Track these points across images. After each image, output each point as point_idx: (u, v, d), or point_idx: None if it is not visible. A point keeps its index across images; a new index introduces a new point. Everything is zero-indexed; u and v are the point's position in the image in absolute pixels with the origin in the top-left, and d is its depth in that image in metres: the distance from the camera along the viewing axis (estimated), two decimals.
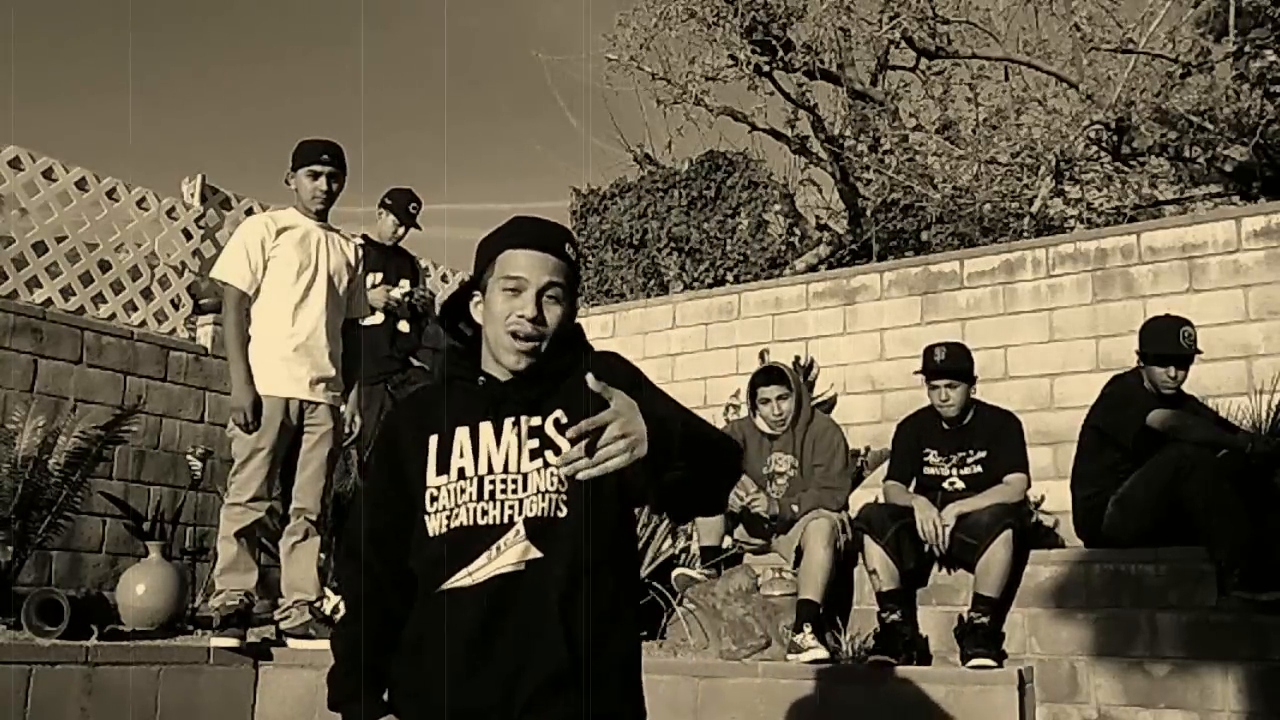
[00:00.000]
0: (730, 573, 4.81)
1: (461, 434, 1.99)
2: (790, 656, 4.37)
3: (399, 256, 6.30)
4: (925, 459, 4.78)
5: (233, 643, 4.61)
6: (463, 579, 1.92)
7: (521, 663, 1.89)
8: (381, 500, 2.09)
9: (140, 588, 4.90)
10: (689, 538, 5.26)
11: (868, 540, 4.49)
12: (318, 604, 4.68)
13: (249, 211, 7.01)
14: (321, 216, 4.76)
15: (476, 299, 2.05)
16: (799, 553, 4.57)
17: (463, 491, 1.95)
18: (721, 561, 4.95)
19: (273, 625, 4.83)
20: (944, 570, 4.60)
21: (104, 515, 5.83)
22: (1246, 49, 9.44)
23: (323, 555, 4.79)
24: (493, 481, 1.95)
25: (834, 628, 4.52)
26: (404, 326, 6.19)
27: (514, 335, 1.95)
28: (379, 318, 6.00)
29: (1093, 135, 9.84)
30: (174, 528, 5.49)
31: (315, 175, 4.68)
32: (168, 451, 6.27)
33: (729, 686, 4.29)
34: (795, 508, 4.74)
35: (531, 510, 1.92)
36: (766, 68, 10.26)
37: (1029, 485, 4.69)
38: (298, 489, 4.67)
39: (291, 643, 4.68)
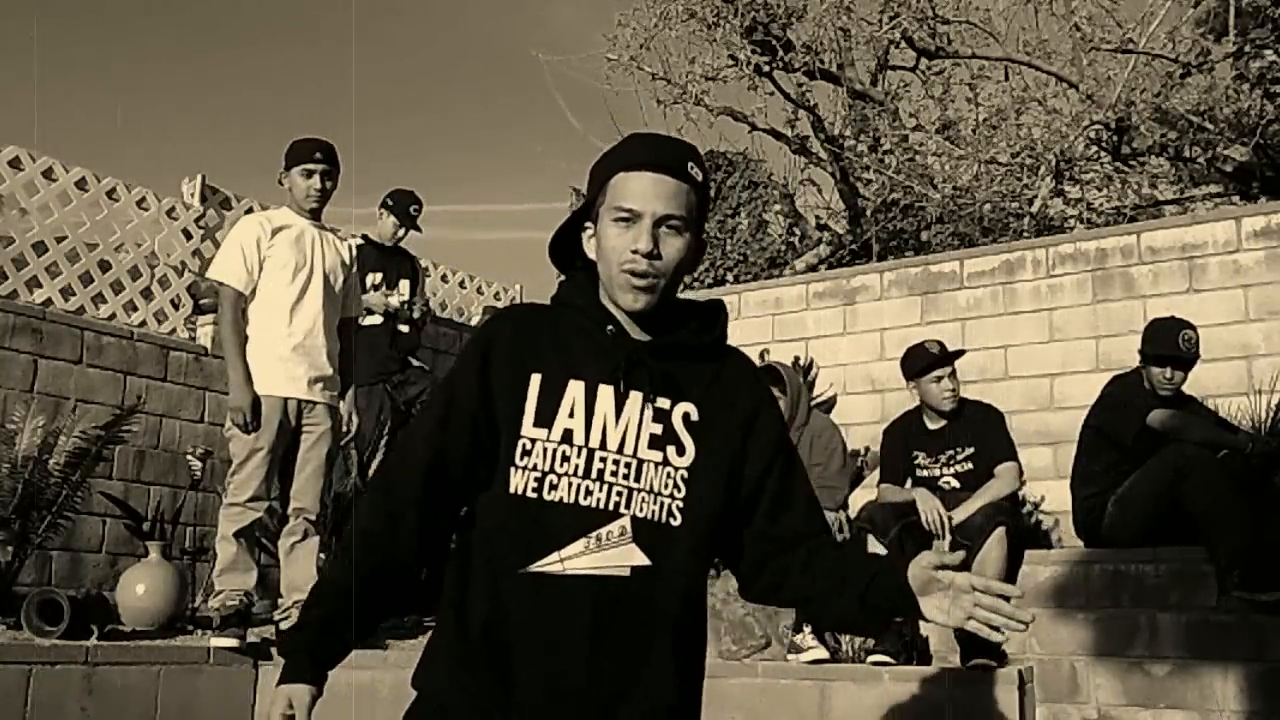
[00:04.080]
0: (730, 573, 4.81)
1: (575, 389, 1.70)
2: (790, 656, 4.37)
3: (399, 257, 6.30)
4: (915, 461, 4.79)
5: (233, 643, 4.62)
6: (552, 563, 1.65)
7: (622, 689, 1.66)
8: (464, 429, 1.71)
9: (140, 588, 4.91)
10: None
11: (871, 540, 4.48)
12: None
13: (249, 211, 7.01)
14: (315, 215, 4.76)
15: (589, 230, 1.77)
16: None
17: (565, 459, 1.67)
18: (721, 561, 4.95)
19: (273, 625, 4.83)
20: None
21: (104, 515, 5.83)
22: (1246, 49, 9.44)
23: (322, 555, 4.80)
24: (603, 459, 1.68)
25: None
26: (404, 327, 6.19)
27: (630, 274, 1.69)
28: (378, 318, 6.00)
29: (1093, 135, 9.84)
30: (174, 528, 5.49)
31: (309, 174, 4.67)
32: (168, 451, 6.26)
33: (729, 686, 4.29)
34: None
35: (641, 509, 1.68)
36: (766, 68, 10.26)
37: (1021, 472, 4.70)
38: (296, 489, 4.67)
39: None
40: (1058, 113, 9.72)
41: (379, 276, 6.05)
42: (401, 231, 6.22)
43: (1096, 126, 9.59)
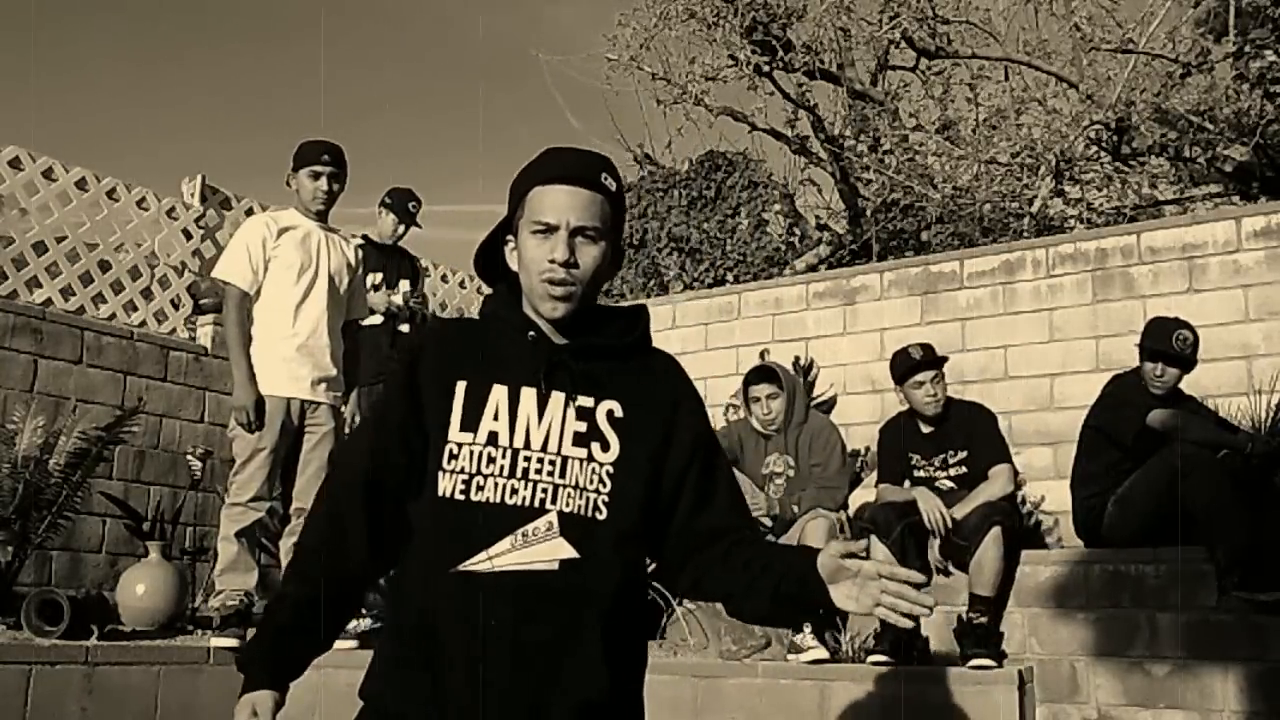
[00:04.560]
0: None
1: (499, 393, 1.76)
2: (790, 656, 4.38)
3: (399, 256, 6.29)
4: (910, 463, 4.79)
5: (233, 643, 4.62)
6: (481, 562, 1.68)
7: (549, 686, 1.67)
8: (396, 441, 1.79)
9: (140, 588, 4.91)
10: None
11: (874, 540, 4.48)
12: None
13: (249, 211, 7.01)
14: (322, 217, 4.77)
15: (510, 244, 1.83)
16: None
17: (491, 460, 1.72)
18: None
19: None
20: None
21: (104, 515, 5.83)
22: (1246, 49, 9.43)
23: None
24: (528, 459, 1.72)
25: (834, 628, 4.51)
26: (404, 327, 6.18)
27: (549, 282, 1.75)
28: (379, 318, 6.00)
29: (1093, 135, 9.83)
30: (174, 528, 5.49)
31: (316, 176, 4.69)
32: (168, 451, 6.26)
33: (729, 686, 4.29)
34: (796, 507, 4.74)
35: (567, 504, 1.71)
36: (766, 68, 10.25)
37: (1016, 473, 4.69)
38: (299, 489, 4.67)
39: None
40: (1058, 113, 9.71)
41: (379, 276, 6.05)
42: (401, 229, 6.21)
43: (1096, 126, 9.58)
